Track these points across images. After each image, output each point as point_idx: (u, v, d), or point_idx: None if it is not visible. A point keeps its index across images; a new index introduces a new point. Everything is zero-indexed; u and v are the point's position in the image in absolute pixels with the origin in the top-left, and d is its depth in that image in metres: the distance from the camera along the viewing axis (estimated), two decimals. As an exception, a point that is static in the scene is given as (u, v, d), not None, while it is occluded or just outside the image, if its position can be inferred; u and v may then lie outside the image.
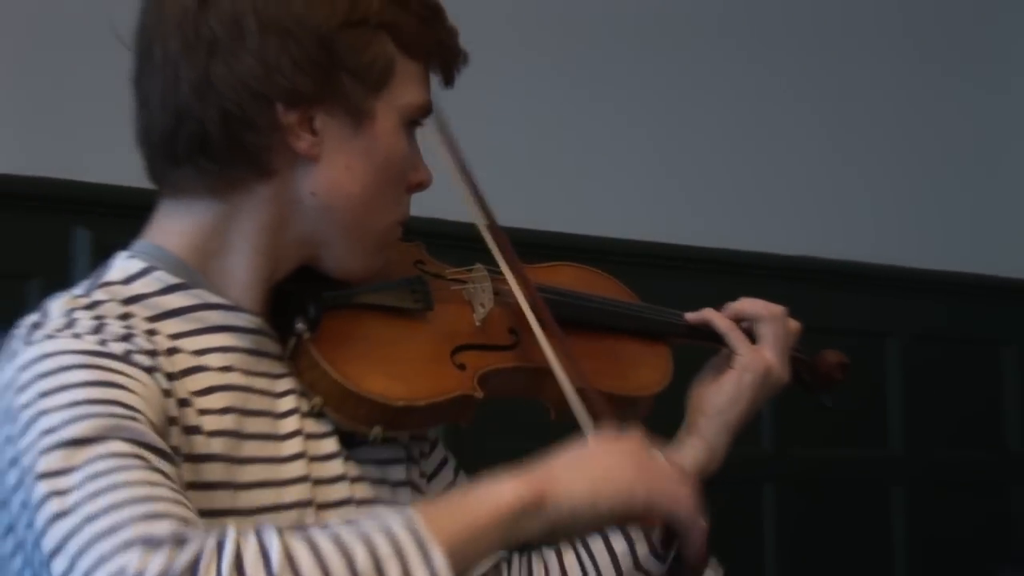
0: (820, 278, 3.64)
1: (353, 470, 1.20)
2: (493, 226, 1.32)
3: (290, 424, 1.17)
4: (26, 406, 0.97)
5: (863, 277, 3.69)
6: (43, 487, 0.93)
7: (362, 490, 1.20)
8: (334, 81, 1.13)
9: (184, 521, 0.91)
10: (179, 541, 0.89)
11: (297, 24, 1.10)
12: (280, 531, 0.92)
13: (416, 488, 1.30)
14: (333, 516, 1.15)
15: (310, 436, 1.18)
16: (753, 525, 3.39)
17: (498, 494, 0.98)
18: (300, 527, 0.97)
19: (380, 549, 0.90)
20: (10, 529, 1.01)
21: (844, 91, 4.06)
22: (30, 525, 0.94)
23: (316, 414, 1.19)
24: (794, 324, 1.49)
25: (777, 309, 1.46)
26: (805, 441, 3.52)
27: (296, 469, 1.15)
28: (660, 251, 3.27)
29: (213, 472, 1.08)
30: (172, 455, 1.00)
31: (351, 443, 1.21)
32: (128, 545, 0.87)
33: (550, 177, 3.03)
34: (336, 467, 1.18)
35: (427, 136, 1.28)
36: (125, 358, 1.02)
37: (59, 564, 0.89)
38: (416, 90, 1.18)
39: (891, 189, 3.90)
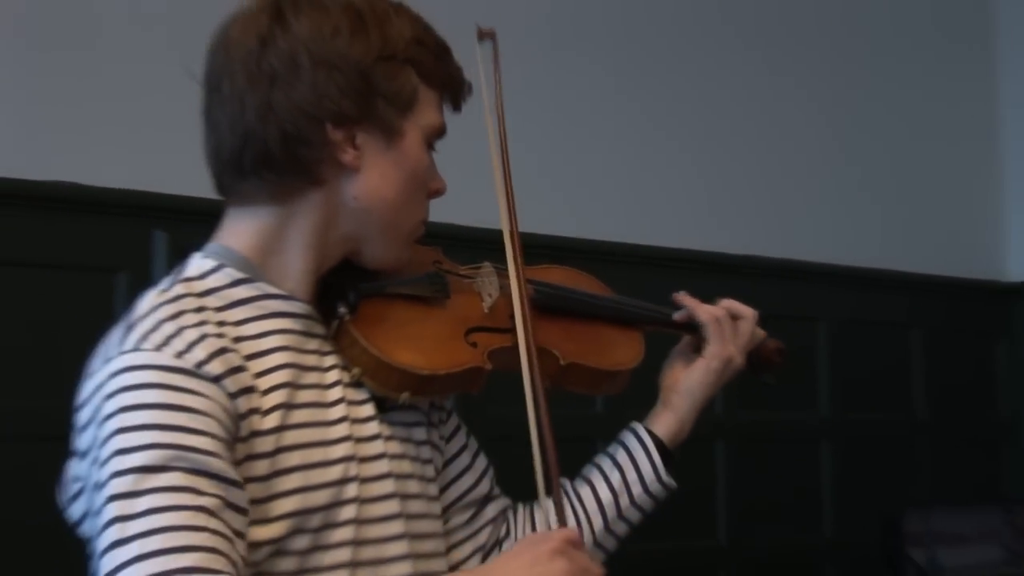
0: (767, 273, 4.01)
1: (386, 430, 1.29)
2: (515, 232, 1.39)
3: (335, 393, 1.25)
4: (109, 416, 1.08)
5: (800, 272, 4.03)
6: (112, 510, 1.04)
7: (393, 447, 1.29)
8: (371, 105, 1.22)
9: (213, 570, 1.02)
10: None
11: (341, 59, 1.20)
12: None
13: (435, 447, 1.40)
14: (372, 468, 1.25)
15: (351, 403, 1.26)
16: (707, 477, 3.76)
17: None
18: None
19: None
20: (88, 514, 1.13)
21: (782, 104, 4.38)
22: (98, 536, 1.06)
23: (355, 384, 1.28)
24: (758, 330, 1.61)
25: (752, 312, 1.59)
26: (751, 406, 3.86)
27: (341, 430, 1.23)
28: (618, 250, 3.54)
29: (266, 444, 1.16)
30: (224, 474, 1.08)
31: (383, 408, 1.30)
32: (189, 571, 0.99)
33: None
34: (373, 427, 1.27)
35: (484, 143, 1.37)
36: (196, 373, 1.10)
37: None
38: (434, 114, 1.29)
39: (823, 199, 4.26)
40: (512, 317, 1.37)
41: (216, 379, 1.11)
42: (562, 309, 1.48)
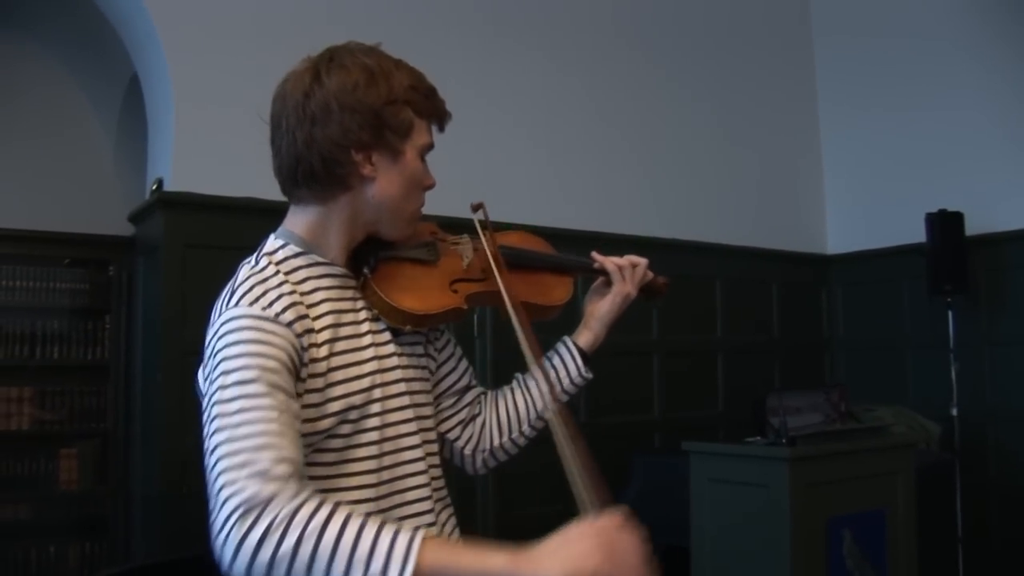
0: (678, 248, 5.11)
1: (399, 350, 1.51)
2: (486, 223, 1.63)
3: (364, 327, 1.47)
4: (219, 349, 1.31)
5: (707, 249, 5.25)
6: (216, 407, 1.25)
7: (404, 360, 1.52)
8: (382, 134, 1.43)
9: (280, 459, 1.19)
10: (274, 477, 1.16)
11: (360, 104, 1.41)
12: (334, 507, 1.16)
13: (431, 356, 1.62)
14: (390, 376, 1.48)
15: (375, 333, 1.49)
16: (646, 382, 5.01)
17: (491, 560, 1.14)
18: (351, 510, 1.19)
19: (381, 545, 1.12)
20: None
21: (679, 109, 5.28)
22: (206, 427, 1.26)
23: (375, 319, 1.49)
24: (649, 272, 1.80)
25: (643, 260, 1.79)
26: (678, 330, 5.08)
27: (369, 353, 1.46)
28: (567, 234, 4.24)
29: (320, 364, 1.37)
30: (292, 392, 1.29)
31: (396, 334, 1.51)
32: (244, 465, 1.17)
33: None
34: (390, 348, 1.50)
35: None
36: (275, 320, 1.33)
37: (211, 460, 1.21)
38: (425, 136, 1.50)
39: (706, 195, 5.33)
40: (484, 270, 1.60)
41: (289, 324, 1.33)
42: (518, 263, 1.66)
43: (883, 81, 5.60)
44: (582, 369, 1.73)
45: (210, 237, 3.70)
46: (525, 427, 1.72)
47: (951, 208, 4.93)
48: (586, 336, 1.75)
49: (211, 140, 3.76)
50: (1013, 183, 4.96)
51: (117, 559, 4.47)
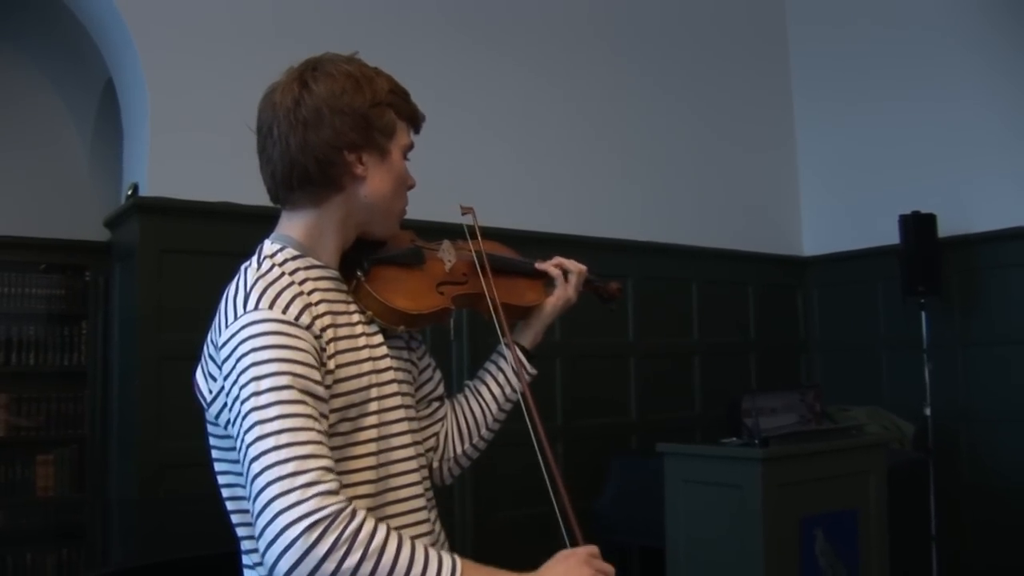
0: (656, 251, 5.14)
1: (390, 351, 1.56)
2: (474, 230, 1.72)
3: (358, 329, 1.51)
4: (244, 354, 1.32)
5: (684, 252, 5.29)
6: (253, 415, 1.27)
7: (395, 363, 1.57)
8: (370, 135, 1.50)
9: (325, 468, 1.25)
10: (327, 490, 1.22)
11: (349, 108, 1.47)
12: (387, 528, 1.25)
13: (413, 363, 1.68)
14: (383, 376, 1.53)
15: (367, 334, 1.53)
16: (623, 384, 5.04)
17: None
18: (398, 532, 1.28)
19: (429, 569, 1.25)
20: (230, 408, 1.34)
21: (654, 111, 5.30)
22: (241, 433, 1.28)
23: (368, 321, 1.54)
24: (612, 283, 1.94)
25: (582, 266, 1.86)
26: (655, 333, 5.10)
27: (365, 353, 1.50)
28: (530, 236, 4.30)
29: (328, 363, 1.41)
30: (319, 394, 1.33)
31: (386, 336, 1.56)
32: (296, 475, 1.22)
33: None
34: (383, 350, 1.55)
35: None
36: (296, 323, 1.36)
37: (255, 466, 1.24)
38: (406, 136, 1.57)
39: (682, 203, 5.36)
40: (465, 274, 1.69)
41: (307, 327, 1.37)
42: (494, 267, 1.73)
43: (858, 83, 5.65)
44: (527, 366, 1.78)
45: (185, 242, 3.71)
46: (484, 431, 1.78)
47: (924, 210, 4.98)
48: (528, 335, 1.82)
49: (186, 145, 3.77)
50: (986, 185, 5.01)
51: (95, 564, 4.47)
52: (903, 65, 5.41)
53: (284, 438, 1.24)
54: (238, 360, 1.32)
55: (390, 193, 1.55)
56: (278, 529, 1.19)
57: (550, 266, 1.85)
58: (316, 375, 1.34)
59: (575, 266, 1.85)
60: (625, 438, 4.93)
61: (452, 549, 1.60)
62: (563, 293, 1.83)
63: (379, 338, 1.55)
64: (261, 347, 1.31)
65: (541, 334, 1.83)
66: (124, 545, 3.94)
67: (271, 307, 1.35)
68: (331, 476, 1.25)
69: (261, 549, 1.21)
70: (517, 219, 4.33)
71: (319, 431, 1.29)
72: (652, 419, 5.03)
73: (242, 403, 1.29)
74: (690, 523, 3.63)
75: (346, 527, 1.20)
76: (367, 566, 1.19)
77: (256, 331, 1.33)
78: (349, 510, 1.22)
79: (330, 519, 1.20)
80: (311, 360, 1.35)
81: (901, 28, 5.43)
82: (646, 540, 4.08)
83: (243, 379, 1.30)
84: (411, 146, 1.59)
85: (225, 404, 1.36)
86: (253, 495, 1.23)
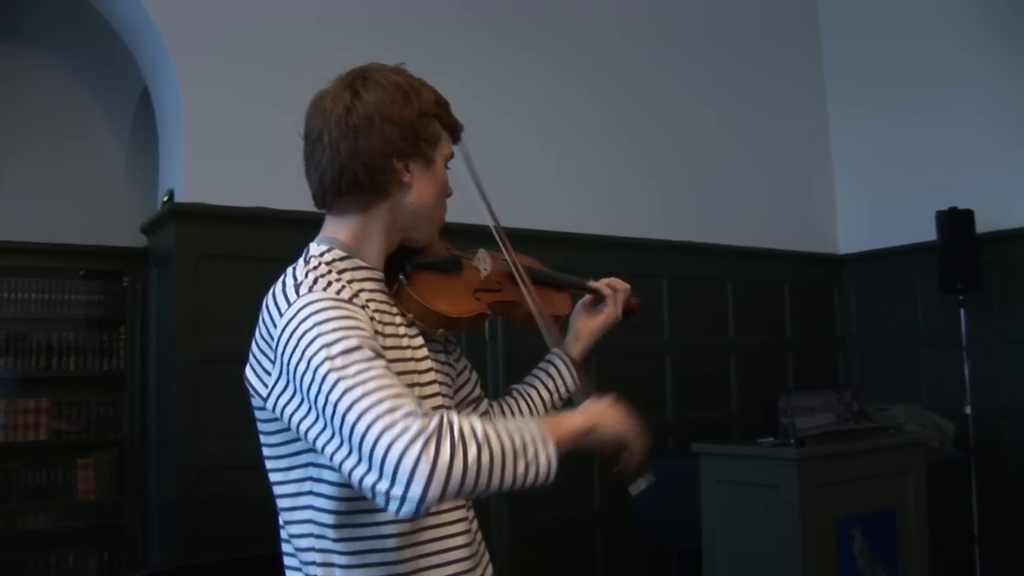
0: (689, 250, 5.16)
1: (429, 353, 1.60)
2: (499, 227, 1.74)
3: (402, 330, 1.55)
4: (307, 330, 1.34)
5: (719, 251, 5.26)
6: (332, 376, 1.28)
7: (436, 365, 1.61)
8: (417, 144, 1.54)
9: (416, 402, 1.27)
10: (425, 413, 1.25)
11: (398, 117, 1.51)
12: (480, 420, 1.30)
13: (451, 365, 1.71)
14: (424, 377, 1.56)
15: (408, 336, 1.56)
16: (659, 385, 5.04)
17: (577, 419, 1.43)
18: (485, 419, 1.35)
19: (526, 436, 1.32)
20: (294, 393, 1.35)
21: (689, 111, 5.31)
22: (324, 395, 1.29)
23: (409, 324, 1.57)
24: (633, 298, 1.97)
25: (627, 285, 1.95)
26: (691, 332, 5.11)
27: (408, 354, 1.54)
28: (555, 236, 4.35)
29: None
30: (384, 355, 1.35)
31: (425, 339, 1.60)
32: (394, 410, 1.24)
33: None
34: (423, 352, 1.58)
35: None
36: (350, 302, 1.40)
37: (350, 416, 1.25)
38: (447, 146, 1.61)
39: (721, 200, 5.32)
40: (499, 282, 1.75)
41: (362, 307, 1.42)
42: (531, 279, 1.77)
43: (892, 81, 5.62)
44: (576, 377, 1.86)
45: (222, 247, 3.75)
46: None
47: (961, 206, 4.93)
48: (578, 348, 1.90)
49: (221, 151, 3.80)
50: (1023, 179, 4.96)
51: (135, 566, 4.50)
52: (937, 63, 5.38)
53: (371, 385, 1.26)
54: (301, 338, 1.33)
55: (433, 201, 1.59)
56: (397, 457, 1.20)
57: (603, 285, 1.93)
58: (379, 345, 1.36)
59: (622, 284, 1.93)
60: (661, 439, 4.91)
61: (488, 550, 1.64)
62: (612, 311, 1.92)
63: (420, 340, 1.58)
64: (323, 320, 1.33)
65: (590, 346, 1.91)
66: (163, 547, 3.97)
67: (325, 289, 1.39)
68: (422, 408, 1.28)
69: (384, 490, 1.23)
70: (550, 220, 4.36)
71: (399, 381, 1.32)
72: (688, 419, 5.02)
73: (315, 371, 1.30)
74: (726, 523, 3.62)
75: (453, 430, 1.24)
76: (485, 453, 1.24)
77: (315, 308, 1.35)
78: (447, 419, 1.25)
79: (437, 430, 1.22)
80: (370, 329, 1.38)
81: (934, 28, 5.40)
82: (684, 540, 4.06)
83: (311, 351, 1.31)
84: (451, 155, 1.62)
85: (285, 390, 1.37)
86: (357, 444, 1.24)
